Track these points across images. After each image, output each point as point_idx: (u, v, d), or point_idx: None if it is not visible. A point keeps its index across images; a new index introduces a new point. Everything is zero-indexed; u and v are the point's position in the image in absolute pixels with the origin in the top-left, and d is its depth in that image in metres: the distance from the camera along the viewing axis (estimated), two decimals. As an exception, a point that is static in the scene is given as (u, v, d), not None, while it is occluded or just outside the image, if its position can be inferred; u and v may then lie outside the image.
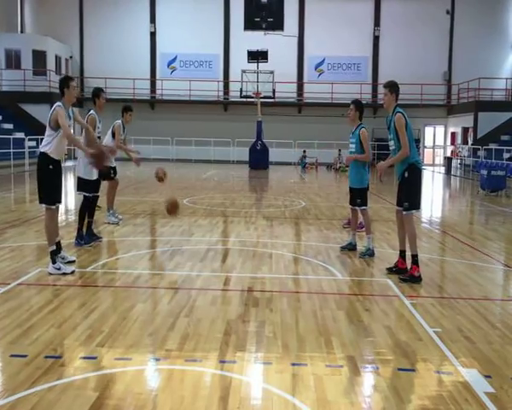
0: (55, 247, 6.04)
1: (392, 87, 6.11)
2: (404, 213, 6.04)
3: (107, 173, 9.17)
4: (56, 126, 5.89)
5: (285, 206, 12.63)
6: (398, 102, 6.10)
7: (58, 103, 5.99)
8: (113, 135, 9.17)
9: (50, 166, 5.96)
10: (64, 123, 5.85)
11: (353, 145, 7.32)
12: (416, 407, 3.27)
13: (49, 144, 5.93)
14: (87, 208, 7.52)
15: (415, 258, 5.98)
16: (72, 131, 6.09)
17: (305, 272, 6.48)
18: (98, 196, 7.85)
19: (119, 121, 9.32)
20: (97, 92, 7.74)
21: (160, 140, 31.83)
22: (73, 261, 6.40)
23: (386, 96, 6.12)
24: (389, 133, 6.12)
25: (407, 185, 6.01)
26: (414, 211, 6.08)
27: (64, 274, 5.88)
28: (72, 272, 5.97)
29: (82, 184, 7.51)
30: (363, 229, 7.79)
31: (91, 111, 7.60)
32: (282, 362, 3.84)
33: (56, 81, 32.28)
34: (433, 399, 3.35)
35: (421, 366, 3.83)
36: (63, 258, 6.28)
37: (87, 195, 7.48)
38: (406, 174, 5.99)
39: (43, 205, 6.03)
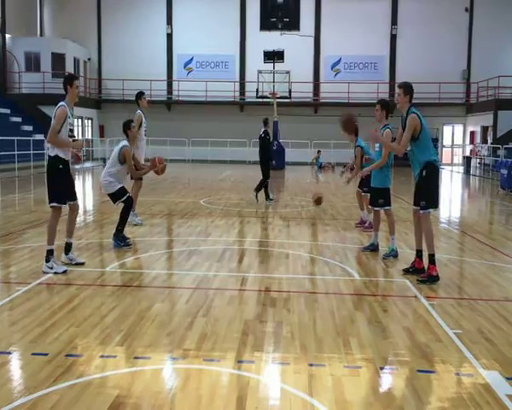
0: (52, 247, 6.08)
1: (406, 88, 6.05)
2: (421, 211, 5.99)
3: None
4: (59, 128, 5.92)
5: (301, 206, 12.60)
6: (416, 102, 6.05)
7: (62, 103, 5.99)
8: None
9: (60, 166, 6.00)
10: (55, 127, 5.85)
11: (377, 145, 7.30)
12: (436, 408, 3.23)
13: (55, 148, 5.97)
14: (129, 211, 7.62)
15: (432, 257, 5.92)
16: (67, 130, 6.00)
17: (322, 272, 6.46)
18: (130, 196, 7.87)
19: (139, 111, 9.45)
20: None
21: (177, 141, 32.01)
22: (82, 263, 6.38)
23: (399, 96, 6.10)
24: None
25: (424, 184, 5.95)
26: (431, 210, 6.02)
27: (56, 273, 5.93)
28: (64, 272, 5.99)
29: (114, 196, 7.56)
30: (372, 229, 7.78)
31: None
32: (299, 363, 3.82)
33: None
34: (454, 401, 3.31)
35: (441, 367, 3.79)
36: (71, 259, 6.34)
37: (124, 199, 7.53)
38: (424, 173, 5.94)
39: (53, 204, 6.06)
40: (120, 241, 7.42)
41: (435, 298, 5.40)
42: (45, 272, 5.96)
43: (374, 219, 7.60)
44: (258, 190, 12.98)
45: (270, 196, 13.15)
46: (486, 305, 5.20)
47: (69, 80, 6.08)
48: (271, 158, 13.46)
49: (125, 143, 7.59)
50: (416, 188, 6.12)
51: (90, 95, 33.72)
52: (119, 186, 7.55)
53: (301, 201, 13.48)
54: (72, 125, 6.16)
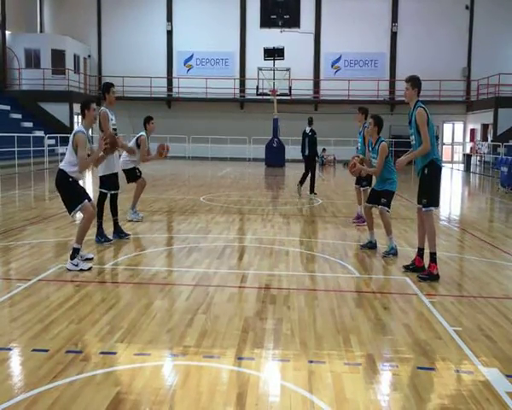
0: (79, 246, 6.11)
1: (414, 82, 6.06)
2: (424, 209, 6.00)
3: (134, 175, 9.33)
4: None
5: (302, 203, 12.59)
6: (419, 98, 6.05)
7: (80, 129, 6.03)
8: (138, 146, 9.28)
9: (70, 179, 6.05)
10: (83, 155, 5.93)
11: (375, 160, 7.25)
12: (436, 406, 3.24)
13: (70, 166, 6.01)
14: (102, 204, 7.66)
15: (433, 256, 5.93)
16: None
17: (322, 269, 6.46)
18: (117, 194, 7.93)
19: (144, 134, 9.37)
20: (107, 87, 7.62)
21: (177, 138, 31.93)
22: (91, 259, 6.47)
23: (407, 90, 6.07)
24: (410, 128, 6.08)
25: (426, 182, 5.96)
26: (433, 208, 6.02)
27: (81, 270, 5.95)
28: (90, 269, 6.03)
29: (100, 182, 7.70)
30: (365, 223, 7.86)
31: (102, 107, 7.56)
32: (299, 360, 3.83)
33: (75, 80, 32.82)
34: (454, 398, 3.32)
35: (441, 364, 3.79)
36: (81, 256, 6.35)
37: (103, 191, 7.66)
38: (426, 171, 5.94)
39: (79, 207, 6.02)
40: (101, 236, 7.50)
41: (435, 295, 5.40)
42: (69, 270, 5.96)
43: (366, 218, 7.57)
44: (311, 184, 13.81)
45: (315, 191, 13.83)
46: (486, 302, 5.21)
47: (86, 105, 6.10)
48: (317, 154, 14.38)
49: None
50: (419, 186, 6.12)
51: (90, 92, 33.69)
52: (105, 173, 7.62)
53: (301, 198, 13.47)
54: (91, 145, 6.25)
